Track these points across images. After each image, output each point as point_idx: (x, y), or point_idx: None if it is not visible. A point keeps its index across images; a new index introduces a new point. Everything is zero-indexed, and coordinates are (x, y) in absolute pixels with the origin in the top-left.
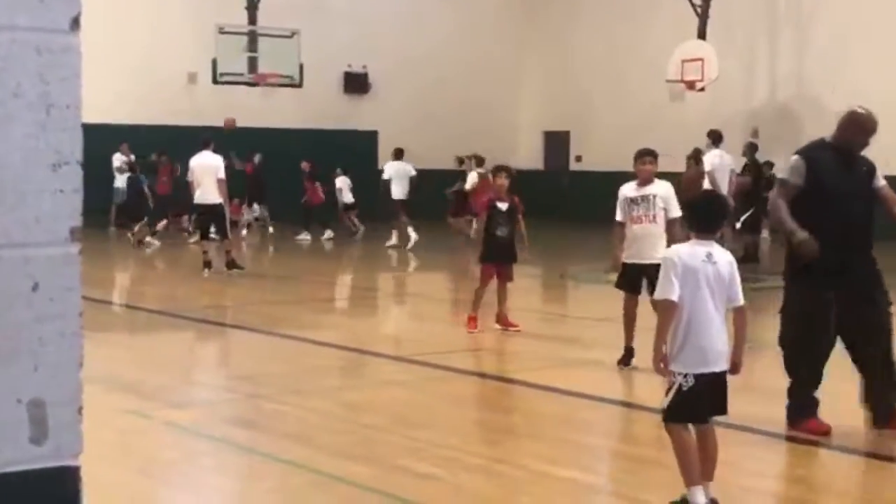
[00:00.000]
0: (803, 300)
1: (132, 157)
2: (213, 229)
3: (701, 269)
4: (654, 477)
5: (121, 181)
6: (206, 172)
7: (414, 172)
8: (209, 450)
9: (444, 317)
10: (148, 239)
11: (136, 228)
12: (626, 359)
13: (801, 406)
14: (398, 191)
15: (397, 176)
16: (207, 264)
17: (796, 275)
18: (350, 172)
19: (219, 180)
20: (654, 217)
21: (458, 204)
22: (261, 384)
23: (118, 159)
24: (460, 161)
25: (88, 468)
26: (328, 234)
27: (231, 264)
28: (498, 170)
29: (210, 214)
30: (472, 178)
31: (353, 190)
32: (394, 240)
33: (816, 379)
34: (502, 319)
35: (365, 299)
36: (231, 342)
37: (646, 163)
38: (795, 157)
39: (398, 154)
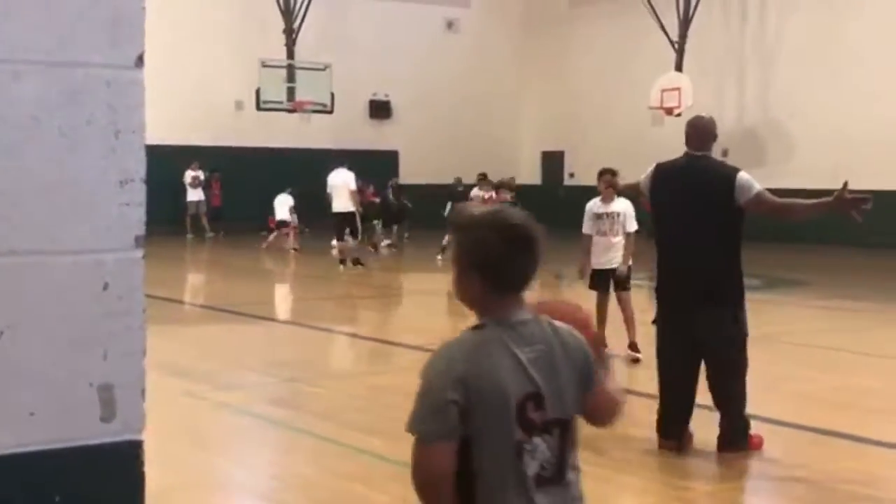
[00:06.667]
0: (745, 320)
1: (202, 173)
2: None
3: None
4: (629, 448)
5: (192, 195)
6: (341, 186)
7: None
8: (252, 426)
9: (456, 311)
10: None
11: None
12: None
13: (749, 424)
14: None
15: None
16: (343, 262)
17: (741, 297)
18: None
19: (351, 192)
20: (617, 231)
21: None
22: (298, 369)
23: (189, 175)
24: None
25: (149, 442)
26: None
27: (356, 261)
28: (500, 185)
29: (345, 220)
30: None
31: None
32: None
33: None
34: None
35: (389, 297)
36: (272, 333)
37: (606, 182)
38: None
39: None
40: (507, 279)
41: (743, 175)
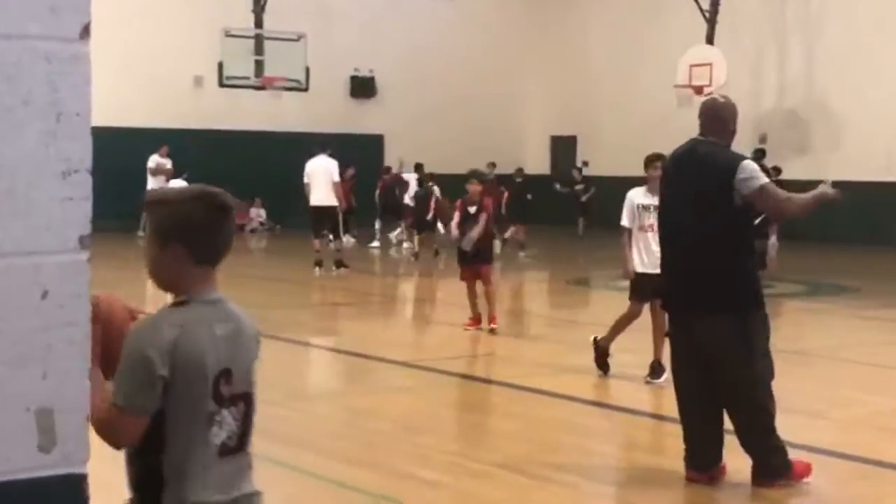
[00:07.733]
0: (765, 326)
1: (169, 161)
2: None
3: None
4: (653, 482)
5: (153, 183)
6: (321, 175)
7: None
8: None
9: (447, 321)
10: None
11: (416, 239)
12: (601, 357)
13: (784, 449)
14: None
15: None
16: (318, 263)
17: (756, 298)
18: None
19: (334, 183)
20: None
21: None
22: (267, 389)
23: (154, 160)
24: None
25: (96, 473)
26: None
27: (339, 263)
28: (470, 175)
29: (324, 215)
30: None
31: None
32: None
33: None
34: (489, 318)
35: (370, 304)
36: None
37: (657, 168)
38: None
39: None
40: (212, 250)
41: (747, 164)
